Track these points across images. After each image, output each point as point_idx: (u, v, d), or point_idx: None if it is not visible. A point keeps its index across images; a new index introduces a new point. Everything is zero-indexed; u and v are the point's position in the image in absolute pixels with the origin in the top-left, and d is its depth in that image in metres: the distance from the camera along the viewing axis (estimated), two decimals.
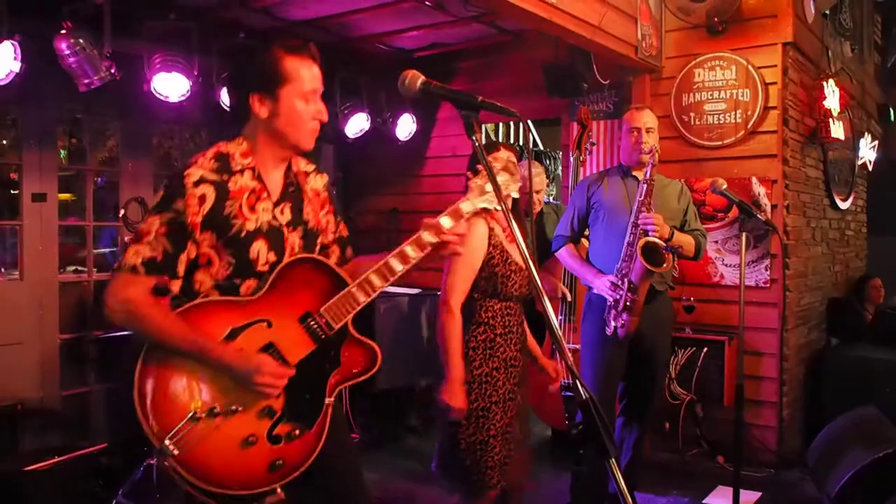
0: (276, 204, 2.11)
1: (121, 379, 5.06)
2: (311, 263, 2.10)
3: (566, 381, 4.60)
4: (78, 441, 4.47)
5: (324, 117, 2.12)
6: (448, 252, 2.13)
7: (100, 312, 4.88)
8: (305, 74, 2.05)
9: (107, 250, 5.68)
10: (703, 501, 4.36)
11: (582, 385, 1.55)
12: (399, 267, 2.06)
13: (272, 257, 2.06)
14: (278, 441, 1.99)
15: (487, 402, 2.78)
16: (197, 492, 1.90)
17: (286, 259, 2.07)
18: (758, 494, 4.42)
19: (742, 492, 3.73)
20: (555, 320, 1.76)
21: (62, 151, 5.30)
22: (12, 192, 4.97)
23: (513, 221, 1.75)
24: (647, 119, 3.81)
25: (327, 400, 2.07)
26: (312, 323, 2.04)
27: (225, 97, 4.86)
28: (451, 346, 2.76)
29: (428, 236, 2.08)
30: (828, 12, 5.71)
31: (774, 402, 4.83)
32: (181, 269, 1.98)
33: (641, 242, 3.50)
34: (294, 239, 2.13)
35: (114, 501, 4.07)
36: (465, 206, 2.13)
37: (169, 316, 1.93)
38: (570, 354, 1.65)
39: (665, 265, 3.51)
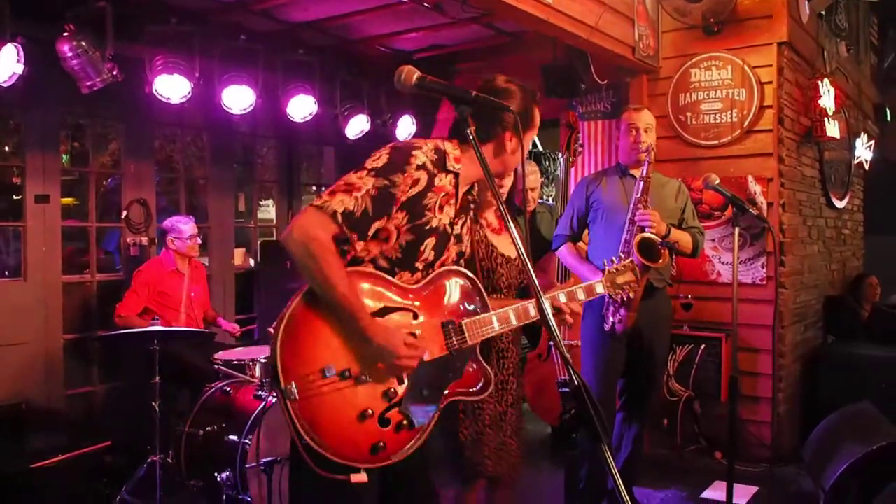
0: (457, 214, 2.22)
1: (125, 378, 5.13)
2: (468, 279, 2.24)
3: (563, 377, 4.66)
4: (82, 440, 4.52)
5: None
6: (562, 320, 2.35)
7: (104, 312, 4.91)
8: (538, 123, 2.32)
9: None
10: (701, 496, 4.40)
11: (574, 371, 1.60)
12: (532, 313, 2.26)
13: (432, 256, 2.15)
14: (387, 424, 2.03)
15: (481, 426, 2.84)
16: (300, 441, 1.93)
17: (438, 266, 2.18)
18: (754, 489, 4.46)
19: (739, 487, 3.79)
20: (549, 311, 1.81)
21: (64, 157, 5.35)
22: (14, 197, 5.03)
23: (508, 218, 1.82)
24: (645, 118, 3.87)
25: (440, 405, 2.14)
26: (452, 331, 2.15)
27: (234, 96, 4.93)
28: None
29: (563, 297, 2.35)
30: (823, 13, 5.77)
31: (771, 398, 4.87)
32: (370, 232, 2.03)
33: (638, 238, 3.55)
34: (453, 251, 2.24)
35: (118, 498, 4.13)
36: (599, 288, 2.47)
37: (342, 268, 1.97)
38: (563, 342, 1.70)
39: (661, 261, 3.56)
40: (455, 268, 2.22)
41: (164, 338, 4.05)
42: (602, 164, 5.43)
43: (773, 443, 4.86)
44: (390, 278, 2.09)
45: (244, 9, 4.68)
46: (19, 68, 3.91)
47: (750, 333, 4.86)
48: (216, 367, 4.32)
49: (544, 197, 7.46)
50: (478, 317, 2.19)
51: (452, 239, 2.22)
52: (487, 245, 2.91)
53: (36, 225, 4.77)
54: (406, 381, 2.05)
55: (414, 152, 2.07)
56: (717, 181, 3.64)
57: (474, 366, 2.22)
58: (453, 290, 2.20)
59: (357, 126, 5.70)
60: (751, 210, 3.63)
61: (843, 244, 6.78)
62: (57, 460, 4.22)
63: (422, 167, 2.07)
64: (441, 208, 2.14)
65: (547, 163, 8.22)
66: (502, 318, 2.23)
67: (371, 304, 2.03)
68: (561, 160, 4.89)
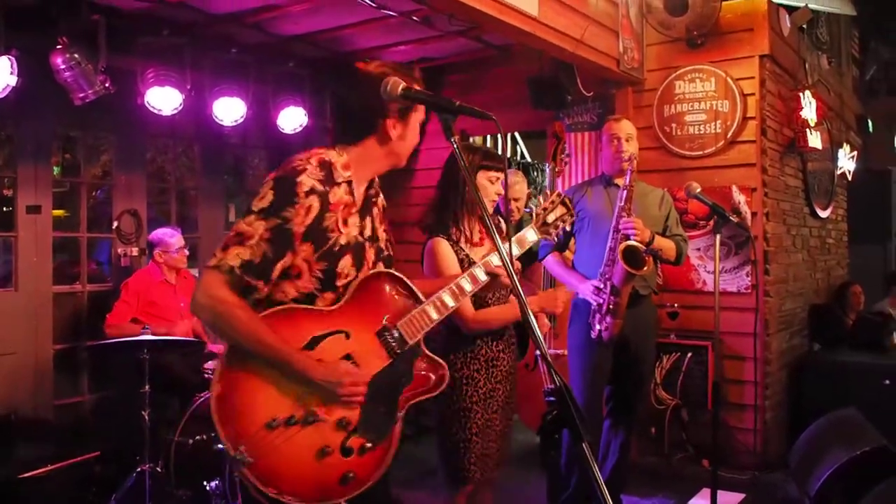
0: (361, 218, 2.14)
1: (114, 388, 5.13)
2: (388, 278, 2.14)
3: (550, 386, 4.69)
4: (71, 450, 4.52)
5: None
6: (502, 282, 2.31)
7: (93, 323, 4.93)
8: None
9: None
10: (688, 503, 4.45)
11: (555, 372, 1.64)
12: (469, 287, 2.20)
13: (352, 272, 2.07)
14: (350, 453, 1.98)
15: (468, 402, 2.89)
16: (268, 501, 1.89)
17: (362, 273, 2.09)
18: (741, 496, 4.51)
19: (726, 494, 3.83)
20: (534, 321, 1.85)
21: (56, 168, 5.37)
22: (5, 209, 5.04)
23: (495, 232, 1.86)
24: (626, 128, 3.94)
25: (399, 414, 2.09)
26: (388, 337, 2.07)
27: (225, 108, 4.97)
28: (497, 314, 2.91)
29: (496, 259, 2.24)
30: (804, 26, 5.87)
31: (758, 405, 4.92)
32: (275, 275, 1.96)
33: (622, 246, 3.59)
34: (371, 253, 2.15)
35: None
36: (530, 235, 2.40)
37: (255, 319, 1.91)
38: (549, 351, 1.75)
39: (645, 268, 3.61)
40: (375, 271, 2.12)
41: (155, 347, 4.07)
42: (589, 175, 5.49)
43: (759, 450, 4.91)
44: (309, 307, 2.01)
45: (236, 22, 4.73)
46: (13, 80, 3.94)
47: (736, 341, 4.92)
48: (206, 376, 4.34)
49: (531, 206, 7.52)
50: (411, 313, 2.11)
51: (367, 244, 2.13)
52: (470, 262, 2.91)
53: (27, 235, 4.79)
54: (357, 406, 2.00)
55: (299, 179, 1.97)
56: (699, 189, 3.71)
57: (424, 363, 2.15)
58: (378, 295, 2.11)
59: None
60: (732, 218, 3.70)
61: (827, 253, 6.87)
62: (46, 470, 4.21)
63: (311, 192, 1.98)
64: (345, 223, 2.07)
65: (535, 173, 8.29)
66: (438, 305, 2.15)
67: (298, 339, 1.96)
68: (547, 170, 4.95)
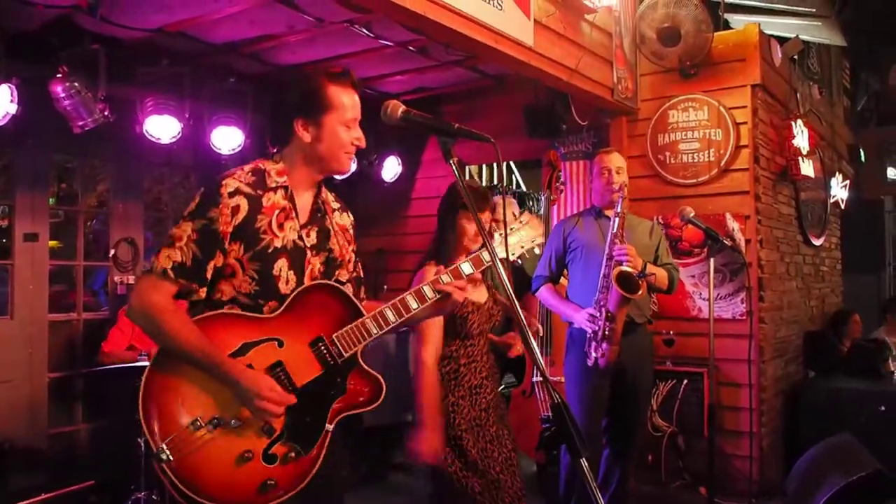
0: (303, 226, 2.15)
1: (109, 416, 5.10)
2: (329, 290, 2.13)
3: (546, 413, 4.69)
4: (66, 479, 4.49)
5: (362, 143, 2.21)
6: (453, 302, 2.22)
7: (89, 352, 4.91)
8: (347, 102, 2.15)
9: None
10: None
11: (553, 388, 1.66)
12: (414, 305, 2.14)
13: (292, 277, 2.08)
14: (273, 461, 1.98)
15: (457, 430, 2.87)
16: (184, 500, 1.90)
17: (306, 282, 2.10)
18: None
19: None
20: (535, 345, 1.88)
21: (51, 199, 5.39)
22: (2, 239, 5.05)
23: (499, 262, 1.89)
24: (615, 160, 4.01)
25: (328, 426, 2.06)
26: (323, 348, 2.06)
27: (223, 137, 5.02)
28: (425, 398, 2.83)
29: (446, 278, 2.20)
30: (795, 57, 5.97)
31: (754, 432, 4.91)
32: (208, 275, 2.01)
33: (616, 271, 3.63)
34: (316, 263, 2.15)
35: None
36: (485, 255, 2.22)
37: (186, 324, 1.95)
38: (541, 360, 1.76)
39: (640, 292, 3.64)
40: (316, 282, 2.12)
41: None
42: (584, 203, 5.54)
43: (756, 477, 4.89)
44: (244, 313, 2.03)
45: (234, 51, 4.79)
46: (13, 108, 3.98)
47: (732, 368, 4.93)
48: None
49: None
50: (349, 326, 2.09)
51: (309, 252, 2.13)
52: None
53: (23, 263, 4.80)
54: (282, 413, 1.99)
55: (224, 182, 2.04)
56: (692, 213, 3.75)
57: (359, 377, 2.12)
58: (317, 305, 2.09)
59: None
60: (724, 241, 3.73)
61: (821, 281, 6.90)
62: (40, 499, 4.19)
63: (235, 193, 2.03)
64: (280, 227, 2.09)
65: (530, 202, 8.34)
66: (379, 319, 2.11)
67: (230, 344, 1.98)
68: (543, 199, 4.99)
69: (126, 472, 4.25)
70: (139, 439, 3.99)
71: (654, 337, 4.80)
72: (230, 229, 2.01)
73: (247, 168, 2.12)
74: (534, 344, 1.90)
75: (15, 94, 3.98)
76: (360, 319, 2.10)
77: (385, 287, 6.51)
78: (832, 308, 7.07)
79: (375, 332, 2.10)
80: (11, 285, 4.78)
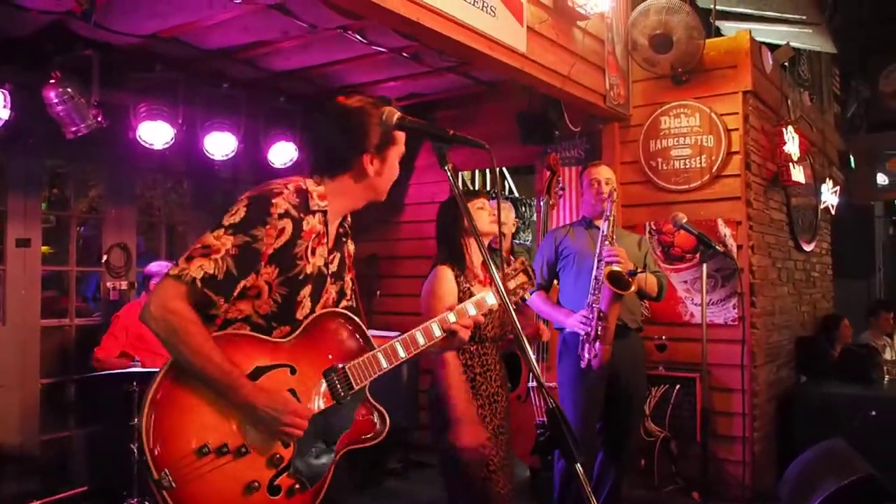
0: (329, 251, 2.10)
1: (102, 422, 5.08)
2: (343, 319, 2.09)
3: (541, 419, 4.70)
4: (58, 485, 4.47)
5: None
6: (459, 340, 2.22)
7: (81, 357, 4.89)
8: (402, 137, 2.17)
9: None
10: None
11: (547, 393, 1.67)
12: (422, 341, 2.14)
13: (309, 304, 2.03)
14: (277, 492, 1.90)
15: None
16: None
17: (317, 309, 2.05)
18: None
19: None
20: (529, 350, 1.89)
21: (43, 204, 5.38)
22: None
23: (491, 265, 1.90)
24: (604, 172, 4.12)
25: (334, 458, 2.02)
26: (335, 379, 2.01)
27: (216, 142, 5.02)
28: (454, 392, 2.82)
29: (452, 317, 2.20)
30: (786, 64, 6.01)
31: (747, 437, 4.93)
32: (236, 293, 1.92)
33: (607, 270, 3.70)
34: (332, 292, 2.11)
35: None
36: (489, 298, 2.29)
37: (207, 338, 1.85)
38: (536, 365, 1.77)
39: (631, 289, 3.71)
40: (331, 310, 2.08)
41: (144, 379, 4.05)
42: (576, 209, 5.56)
43: (749, 481, 4.91)
44: (260, 336, 1.96)
45: (227, 57, 4.80)
46: (5, 114, 3.99)
47: (724, 373, 4.95)
48: None
49: (520, 239, 7.59)
50: (362, 358, 2.05)
51: (329, 279, 2.09)
52: (472, 296, 2.97)
53: (16, 269, 4.79)
54: (291, 444, 1.93)
55: (274, 200, 1.94)
56: (685, 219, 3.79)
57: (367, 410, 2.09)
58: (331, 334, 2.06)
59: None
60: (717, 247, 3.77)
61: (812, 286, 6.94)
62: None
63: (285, 215, 1.95)
64: (313, 252, 2.03)
65: (523, 208, 8.36)
66: (390, 353, 2.09)
67: (243, 366, 1.89)
68: (541, 204, 5.01)
69: (119, 479, 4.23)
70: (132, 445, 3.98)
71: (647, 342, 4.83)
72: (271, 251, 1.93)
73: (291, 187, 2.02)
74: (529, 349, 1.92)
75: (8, 99, 3.99)
76: (372, 352, 2.07)
77: (378, 293, 6.52)
78: (823, 313, 7.10)
79: (386, 366, 2.07)
80: (3, 291, 4.76)
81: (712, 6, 5.61)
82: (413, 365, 5.82)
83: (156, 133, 4.67)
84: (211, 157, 5.10)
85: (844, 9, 7.46)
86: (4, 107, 3.99)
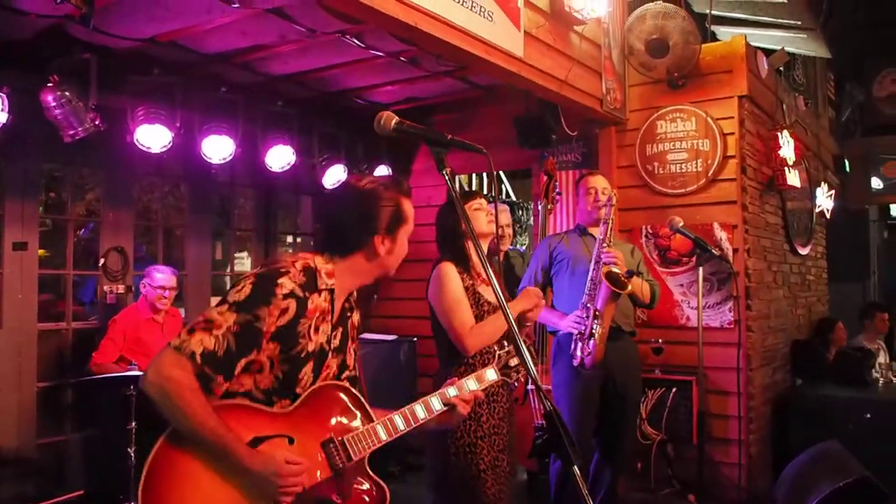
0: (333, 327, 2.12)
1: (99, 426, 5.08)
2: (341, 391, 2.10)
3: (539, 422, 4.71)
4: (54, 489, 4.47)
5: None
6: (458, 415, 2.25)
7: (78, 361, 4.87)
8: (411, 214, 2.20)
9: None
10: None
11: (545, 396, 1.68)
12: (422, 414, 2.16)
13: (310, 378, 2.04)
14: None
15: (473, 437, 2.87)
16: None
17: (319, 382, 2.07)
18: None
19: None
20: (526, 352, 1.90)
21: (40, 208, 5.39)
22: None
23: (487, 264, 1.92)
24: (601, 182, 4.20)
25: None
26: (333, 450, 2.01)
27: (213, 146, 5.02)
28: (491, 328, 2.87)
29: (452, 391, 2.23)
30: (781, 69, 6.05)
31: (743, 440, 4.95)
32: (237, 371, 1.93)
33: (605, 270, 3.76)
34: (333, 366, 2.13)
35: None
36: (489, 374, 2.35)
37: (204, 403, 1.85)
38: (535, 369, 1.79)
39: (628, 288, 3.76)
40: (331, 382, 2.09)
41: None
42: (573, 213, 5.58)
43: (745, 484, 4.93)
44: (258, 406, 1.97)
45: (225, 61, 4.80)
46: (3, 117, 3.98)
47: (720, 376, 4.97)
48: None
49: (517, 245, 7.61)
50: (361, 430, 2.06)
51: (331, 354, 2.11)
52: (474, 293, 2.99)
53: (13, 272, 4.78)
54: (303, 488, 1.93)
55: (280, 280, 1.96)
56: (681, 223, 3.82)
57: (365, 483, 2.08)
58: (330, 406, 2.07)
59: (334, 176, 5.81)
60: (713, 250, 3.81)
61: (807, 290, 6.97)
62: None
63: (289, 296, 1.97)
64: (316, 330, 2.04)
65: (520, 212, 8.38)
66: (389, 426, 2.10)
67: (240, 436, 1.89)
68: (539, 208, 5.03)
69: (116, 482, 4.24)
70: (129, 449, 3.99)
71: (643, 345, 4.85)
72: (273, 329, 1.94)
73: (299, 265, 2.04)
74: (526, 352, 1.93)
75: (5, 102, 3.98)
76: (371, 424, 2.08)
77: (375, 297, 6.53)
78: (818, 317, 7.14)
79: (385, 438, 2.09)
80: (0, 294, 4.75)
81: (708, 11, 5.64)
82: (411, 366, 5.83)
83: (153, 137, 4.67)
84: (208, 160, 5.10)
85: (839, 14, 7.50)
86: (2, 110, 3.97)
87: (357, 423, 2.08)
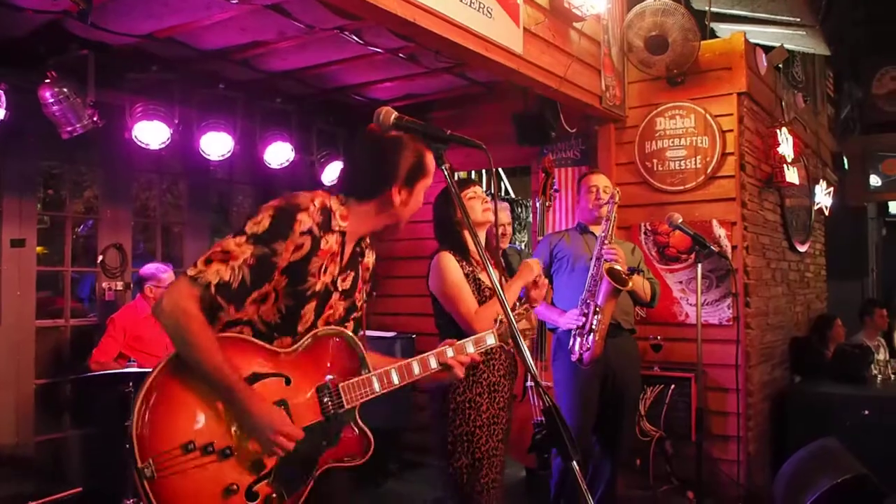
0: (342, 270, 2.14)
1: (97, 423, 5.08)
2: (344, 339, 2.12)
3: (538, 418, 4.71)
4: (52, 487, 4.46)
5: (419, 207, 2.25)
6: (453, 375, 2.26)
7: (76, 358, 4.88)
8: (432, 167, 2.19)
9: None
10: None
11: (544, 392, 1.68)
12: (418, 371, 2.18)
13: (311, 318, 2.07)
14: (255, 499, 1.92)
15: (472, 426, 2.90)
16: None
17: (320, 324, 2.09)
18: None
19: None
20: (525, 347, 1.90)
21: (38, 205, 5.38)
22: None
23: (483, 253, 1.93)
24: (602, 180, 4.23)
25: (314, 474, 2.03)
26: (326, 396, 2.04)
27: (212, 143, 5.02)
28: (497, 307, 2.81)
29: (451, 352, 2.25)
30: (780, 66, 6.04)
31: (741, 436, 4.95)
32: (248, 302, 1.97)
33: (606, 266, 3.77)
34: (339, 308, 2.15)
35: None
36: (489, 339, 2.36)
37: (213, 341, 1.88)
38: (533, 364, 1.79)
39: (629, 285, 3.78)
40: (333, 328, 2.12)
41: (140, 380, 4.04)
42: (572, 210, 5.58)
43: (744, 481, 4.93)
44: (260, 342, 2.00)
45: (224, 58, 4.79)
46: (1, 114, 3.98)
47: (719, 373, 4.97)
48: None
49: (515, 242, 7.61)
50: (355, 379, 2.08)
51: (337, 295, 2.13)
52: (475, 279, 3.01)
53: (11, 269, 4.77)
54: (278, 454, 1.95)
55: (299, 216, 1.98)
56: (680, 220, 3.83)
57: (354, 431, 2.11)
58: (330, 352, 2.09)
59: (333, 172, 5.81)
60: (712, 247, 3.82)
61: (806, 287, 6.97)
62: None
63: (306, 233, 1.99)
64: (325, 270, 2.07)
65: (519, 209, 8.38)
66: (384, 378, 2.13)
67: (241, 369, 1.93)
68: (537, 204, 5.03)
69: (114, 480, 4.23)
70: (127, 445, 3.97)
71: (642, 342, 4.85)
72: (286, 264, 1.98)
73: (317, 203, 2.06)
74: (526, 349, 1.93)
75: (3, 99, 3.98)
76: (367, 375, 2.10)
77: (374, 293, 6.53)
78: (817, 314, 7.14)
79: (378, 389, 2.11)
80: None
81: (707, 8, 5.63)
82: None
83: (152, 133, 4.67)
84: (207, 157, 5.10)
85: (838, 11, 7.49)
86: (0, 107, 3.97)
87: (353, 371, 2.11)
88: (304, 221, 1.99)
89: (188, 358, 1.87)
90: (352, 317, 2.21)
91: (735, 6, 5.89)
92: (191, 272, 1.90)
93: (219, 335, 1.93)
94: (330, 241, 2.07)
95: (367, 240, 2.27)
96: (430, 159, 2.16)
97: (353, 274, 2.19)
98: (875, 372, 5.86)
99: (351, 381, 2.07)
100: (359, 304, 2.24)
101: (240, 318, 1.99)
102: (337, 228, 2.09)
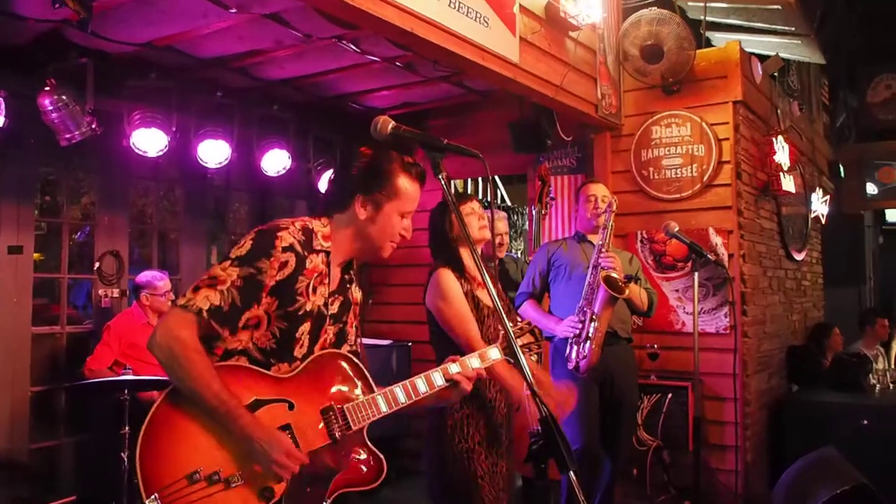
0: (331, 294, 2.13)
1: (92, 430, 5.06)
2: (346, 360, 2.11)
3: (536, 427, 4.70)
4: (46, 494, 4.44)
5: (408, 235, 2.20)
6: (460, 391, 2.24)
7: (72, 365, 4.87)
8: (412, 195, 2.16)
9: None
10: None
11: (541, 401, 1.68)
12: (423, 388, 2.15)
13: (307, 342, 2.06)
14: None
15: (471, 443, 2.86)
16: None
17: (317, 349, 2.08)
18: None
19: None
20: (522, 356, 1.91)
21: (35, 211, 5.36)
22: None
23: (483, 269, 1.92)
24: (601, 190, 4.26)
25: (326, 498, 2.01)
26: (332, 418, 2.02)
27: (209, 150, 5.03)
28: (512, 381, 2.81)
29: (454, 368, 2.22)
30: (775, 74, 6.06)
31: (739, 446, 4.95)
32: (241, 324, 1.97)
33: (603, 274, 3.78)
34: (330, 333, 2.13)
35: None
36: (493, 353, 2.34)
37: (210, 369, 1.88)
38: (531, 372, 1.79)
39: (626, 292, 3.78)
40: (333, 350, 2.11)
41: (135, 387, 4.04)
42: (568, 218, 5.58)
43: (741, 490, 4.92)
44: (261, 370, 1.99)
45: (222, 66, 4.80)
46: (0, 121, 3.98)
47: (716, 382, 4.97)
48: None
49: (512, 250, 7.62)
50: (361, 400, 2.07)
51: (328, 320, 2.12)
52: (473, 297, 2.99)
53: (7, 276, 4.76)
54: (285, 480, 1.93)
55: (279, 234, 2.01)
56: (677, 228, 3.84)
57: (363, 453, 2.08)
58: (331, 374, 2.08)
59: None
60: (708, 255, 3.82)
61: (803, 295, 6.98)
62: None
63: (289, 249, 2.01)
64: (314, 290, 2.06)
65: (515, 217, 8.38)
66: (390, 398, 2.10)
67: (241, 397, 1.92)
68: (533, 212, 5.04)
69: (108, 488, 4.21)
70: (122, 454, 3.97)
71: (639, 351, 4.85)
72: (273, 283, 1.98)
73: (297, 224, 2.07)
74: (523, 358, 1.93)
75: (2, 106, 3.98)
76: (372, 395, 2.09)
77: (370, 301, 6.52)
78: (814, 322, 7.14)
79: (385, 409, 2.09)
80: None
81: (702, 17, 5.66)
82: (405, 372, 5.82)
83: (149, 141, 4.67)
84: (204, 164, 5.10)
85: (833, 20, 7.52)
86: None
87: (358, 392, 2.09)
88: (285, 238, 2.01)
89: (184, 388, 1.87)
90: (345, 348, 2.18)
91: (730, 15, 5.92)
92: (180, 302, 1.92)
93: (217, 364, 1.93)
94: (315, 261, 2.07)
95: (355, 267, 2.25)
96: (402, 181, 2.13)
97: (341, 299, 2.17)
98: (873, 381, 5.85)
99: (356, 402, 2.06)
100: (350, 338, 2.21)
101: (236, 347, 1.99)
102: (320, 248, 2.09)
